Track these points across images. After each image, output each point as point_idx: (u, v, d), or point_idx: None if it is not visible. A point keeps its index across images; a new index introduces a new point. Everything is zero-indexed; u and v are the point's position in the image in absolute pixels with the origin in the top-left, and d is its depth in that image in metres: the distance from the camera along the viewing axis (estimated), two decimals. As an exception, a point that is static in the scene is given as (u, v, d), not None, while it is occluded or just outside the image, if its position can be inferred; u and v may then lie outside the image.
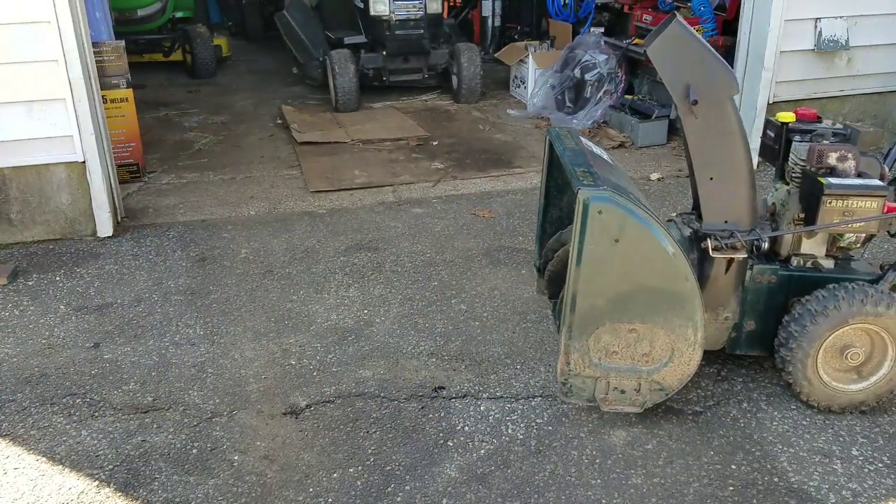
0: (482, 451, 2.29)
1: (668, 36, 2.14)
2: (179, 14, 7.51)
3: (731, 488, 2.14)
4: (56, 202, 3.70)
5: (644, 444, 2.31)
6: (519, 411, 2.46)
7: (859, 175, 2.30)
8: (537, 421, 2.41)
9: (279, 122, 5.82)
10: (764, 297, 2.38)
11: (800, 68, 4.47)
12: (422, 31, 6.07)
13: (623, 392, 2.27)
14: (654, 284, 2.13)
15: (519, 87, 6.36)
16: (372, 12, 5.95)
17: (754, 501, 2.10)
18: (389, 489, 2.15)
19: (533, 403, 2.50)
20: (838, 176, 2.28)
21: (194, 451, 2.31)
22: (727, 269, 2.33)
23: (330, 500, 2.12)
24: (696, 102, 2.12)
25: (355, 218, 3.99)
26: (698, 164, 2.26)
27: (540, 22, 7.29)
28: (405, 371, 2.68)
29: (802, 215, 2.34)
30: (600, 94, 5.41)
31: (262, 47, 8.77)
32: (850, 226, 2.26)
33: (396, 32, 6.01)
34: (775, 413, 2.44)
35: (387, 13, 5.94)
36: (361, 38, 6.29)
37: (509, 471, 2.21)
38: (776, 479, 2.17)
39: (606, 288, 2.14)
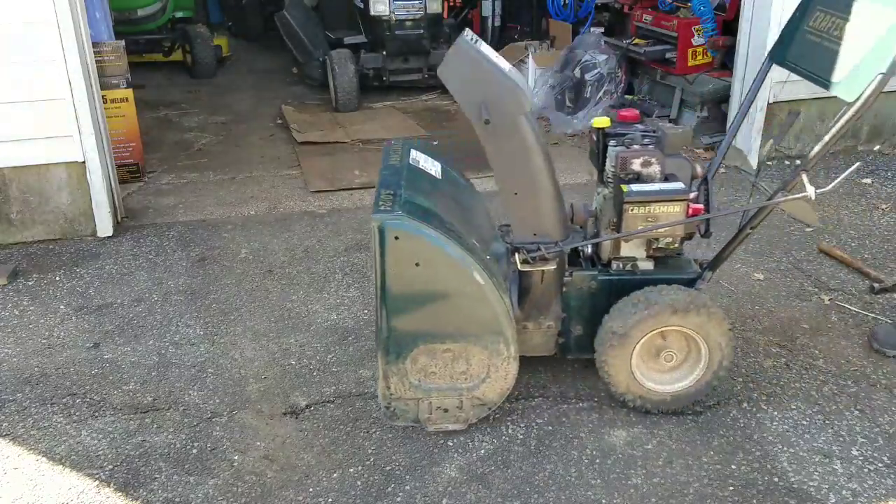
0: (482, 451, 2.29)
1: (452, 56, 2.12)
2: (179, 14, 7.50)
3: (731, 488, 2.14)
4: (56, 202, 3.70)
5: (644, 444, 2.31)
6: (519, 411, 2.46)
7: (666, 179, 2.29)
8: (537, 421, 2.41)
9: (279, 122, 5.82)
10: (587, 302, 2.39)
11: (800, 68, 4.46)
12: (422, 31, 6.07)
13: (446, 411, 2.30)
14: (459, 304, 2.15)
15: (519, 87, 6.35)
16: (372, 12, 5.95)
17: (754, 501, 2.10)
18: (389, 489, 2.15)
19: (533, 403, 2.50)
20: (644, 181, 2.28)
21: (194, 451, 2.31)
22: (542, 280, 2.34)
23: (330, 500, 2.12)
24: (488, 122, 2.10)
25: (355, 218, 3.99)
26: (501, 181, 2.25)
27: (540, 22, 7.28)
28: (405, 371, 2.68)
29: (616, 221, 2.32)
30: (600, 94, 5.41)
31: (262, 47, 8.76)
32: (656, 230, 2.25)
33: (396, 32, 6.01)
34: (775, 413, 2.44)
35: (387, 13, 5.94)
36: (361, 38, 6.29)
37: (509, 471, 2.21)
38: (776, 479, 2.17)
39: (415, 311, 2.16)
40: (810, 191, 2.13)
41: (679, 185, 2.26)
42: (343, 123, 5.67)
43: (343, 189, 4.38)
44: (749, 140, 4.53)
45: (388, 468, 2.23)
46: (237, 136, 5.49)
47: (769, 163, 4.66)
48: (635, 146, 2.34)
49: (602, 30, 5.96)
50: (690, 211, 2.27)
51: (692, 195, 2.29)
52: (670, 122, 5.14)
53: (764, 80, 2.51)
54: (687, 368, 2.37)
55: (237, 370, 2.70)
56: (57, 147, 3.61)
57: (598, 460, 2.25)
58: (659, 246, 2.36)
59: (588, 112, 5.43)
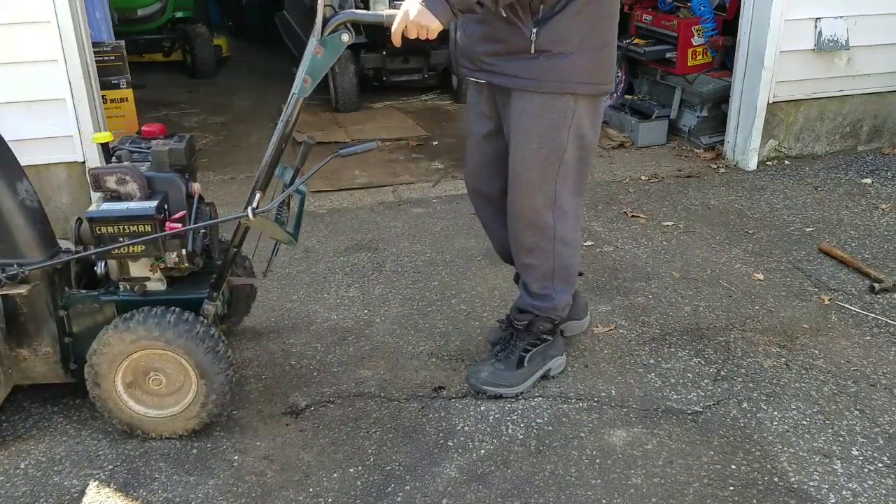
0: (482, 451, 2.29)
1: None
2: (179, 14, 7.50)
3: (731, 488, 2.14)
4: (56, 202, 3.69)
5: (644, 444, 2.31)
6: (519, 411, 2.46)
7: (150, 197, 2.19)
8: (537, 421, 2.41)
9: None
10: (93, 325, 2.27)
11: (800, 68, 4.47)
12: (422, 31, 6.06)
13: None
14: None
15: (519, 87, 6.35)
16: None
17: (754, 501, 2.10)
18: (389, 489, 2.15)
19: (533, 403, 2.50)
20: (123, 199, 2.18)
21: (194, 451, 2.31)
22: (24, 304, 2.23)
23: (330, 500, 2.12)
24: None
25: (355, 218, 3.99)
26: None
27: (540, 22, 7.27)
28: (405, 371, 2.68)
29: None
30: (600, 94, 5.40)
31: (262, 47, 8.76)
32: (126, 250, 2.15)
33: (396, 32, 6.00)
34: (775, 413, 2.44)
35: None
36: (361, 38, 6.29)
37: (509, 471, 2.21)
38: (776, 479, 2.17)
39: None
40: (248, 211, 2.11)
41: (147, 205, 2.15)
42: (343, 123, 5.67)
43: (343, 189, 4.38)
44: (749, 140, 4.54)
45: (388, 468, 2.23)
46: (237, 136, 5.49)
47: (769, 163, 4.67)
48: (117, 163, 2.24)
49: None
50: (169, 229, 2.15)
51: (178, 214, 2.20)
52: (670, 121, 5.14)
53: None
54: (178, 395, 2.27)
55: (237, 370, 2.70)
56: (57, 147, 3.60)
57: (598, 460, 2.25)
58: (168, 266, 2.26)
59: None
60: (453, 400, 2.52)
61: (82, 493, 2.15)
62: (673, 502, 2.10)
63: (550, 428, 2.39)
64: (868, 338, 2.84)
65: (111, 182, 2.19)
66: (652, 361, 2.72)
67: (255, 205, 2.13)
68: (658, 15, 5.26)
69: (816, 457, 2.26)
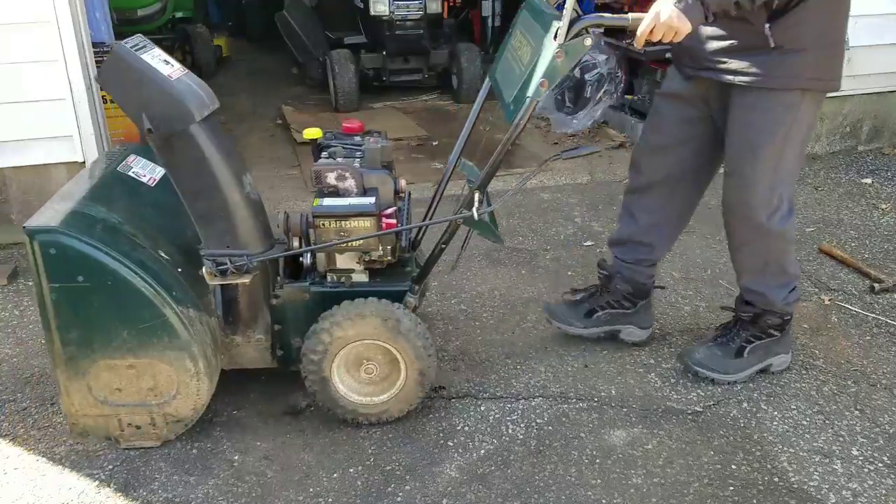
0: (482, 451, 2.29)
1: (109, 64, 2.07)
2: (179, 14, 7.50)
3: (731, 488, 2.14)
4: (56, 202, 3.69)
5: (644, 444, 2.31)
6: (519, 411, 2.46)
7: (365, 193, 2.27)
8: (537, 421, 2.41)
9: (279, 122, 5.82)
10: (301, 314, 2.34)
11: (800, 68, 4.47)
12: (422, 31, 6.07)
13: (139, 427, 2.26)
14: (131, 319, 2.10)
15: (519, 87, 6.35)
16: (372, 12, 5.95)
17: (754, 501, 2.10)
18: (389, 489, 2.15)
19: (533, 403, 2.50)
20: (342, 195, 2.26)
21: (194, 451, 2.31)
22: (243, 293, 2.31)
23: (330, 500, 2.12)
24: (150, 131, 2.04)
25: (355, 218, 3.98)
26: (183, 192, 2.18)
27: (540, 22, 7.28)
28: (405, 371, 2.68)
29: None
30: (600, 94, 5.39)
31: (262, 47, 8.77)
32: (349, 244, 2.23)
33: (396, 32, 6.01)
34: (775, 413, 2.44)
35: (387, 13, 5.94)
36: (361, 38, 6.30)
37: (509, 471, 2.21)
38: (776, 479, 2.17)
39: (86, 326, 2.10)
40: (473, 211, 2.15)
41: (368, 201, 2.23)
42: (343, 123, 5.67)
43: (343, 189, 4.37)
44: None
45: (388, 468, 2.23)
46: (237, 136, 5.49)
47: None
48: (333, 159, 2.31)
49: (602, 30, 5.95)
50: (384, 225, 2.24)
51: (390, 210, 2.27)
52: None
53: (483, 98, 2.50)
54: (387, 383, 2.34)
55: (237, 370, 2.69)
56: (57, 147, 3.61)
57: (598, 460, 2.25)
58: (372, 259, 2.33)
59: (588, 112, 5.42)
60: (453, 400, 2.52)
61: (82, 493, 2.15)
62: (673, 502, 2.10)
63: (550, 428, 2.39)
64: (868, 338, 2.84)
65: (331, 178, 2.27)
66: (652, 361, 2.72)
67: (476, 205, 2.17)
68: (658, 15, 5.25)
69: (816, 457, 2.26)
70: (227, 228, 2.20)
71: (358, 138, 2.45)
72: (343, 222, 2.21)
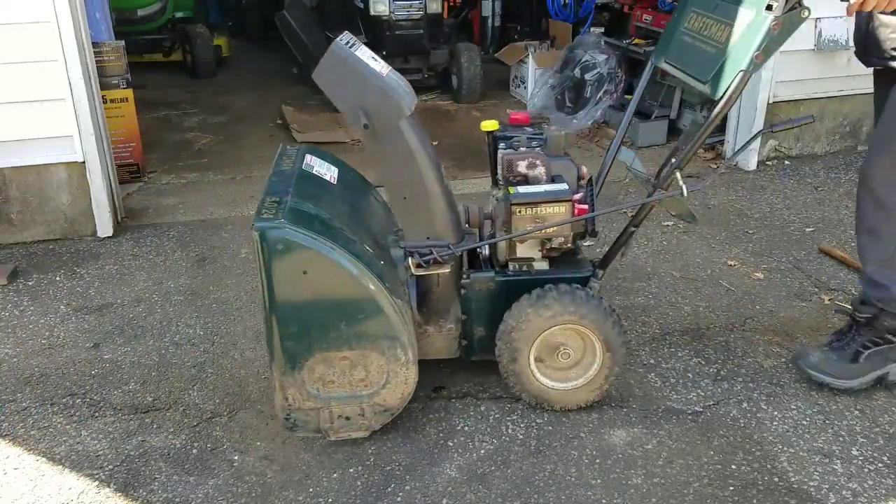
0: (482, 451, 2.29)
1: (327, 62, 2.11)
2: (179, 14, 7.50)
3: (731, 488, 2.14)
4: (56, 202, 3.70)
5: (644, 444, 2.31)
6: (519, 411, 2.46)
7: (553, 180, 2.30)
8: (537, 421, 2.41)
9: (279, 122, 5.82)
10: (486, 303, 2.38)
11: (800, 68, 4.47)
12: (421, 31, 6.07)
13: (348, 419, 2.27)
14: (351, 310, 2.13)
15: (519, 87, 6.36)
16: (372, 12, 5.95)
17: (754, 501, 2.10)
18: (389, 489, 2.15)
19: (533, 403, 2.49)
20: (531, 183, 2.29)
21: (194, 451, 2.31)
22: (439, 284, 2.35)
23: (330, 500, 2.12)
24: (367, 126, 2.10)
25: (355, 218, 3.98)
26: (389, 186, 2.25)
27: (540, 22, 7.28)
28: (405, 371, 2.68)
29: (506, 222, 2.33)
30: (600, 94, 5.41)
31: (262, 47, 8.76)
32: (545, 231, 2.26)
33: (396, 32, 6.00)
34: (775, 413, 2.44)
35: (387, 13, 5.94)
36: (361, 38, 6.29)
37: (509, 471, 2.22)
38: (776, 479, 2.17)
39: (307, 320, 2.12)
40: (683, 188, 2.18)
41: (563, 187, 2.27)
42: (343, 123, 5.67)
43: (343, 189, 4.37)
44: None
45: (388, 468, 2.23)
46: (237, 136, 5.49)
47: (769, 163, 4.67)
48: (522, 149, 2.35)
49: (602, 30, 5.95)
50: (577, 211, 2.28)
51: (578, 196, 2.31)
52: (670, 121, 5.15)
53: (646, 81, 2.54)
54: (582, 367, 2.38)
55: (237, 370, 2.70)
56: (57, 147, 3.61)
57: (598, 460, 2.25)
58: (552, 246, 2.36)
59: (588, 112, 5.43)
60: (453, 400, 2.52)
61: (82, 492, 2.15)
62: (673, 502, 2.10)
63: (550, 428, 2.39)
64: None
65: (522, 167, 2.31)
66: (652, 361, 2.72)
67: (681, 183, 2.19)
68: (658, 15, 5.26)
69: (816, 457, 2.26)
70: (428, 220, 2.26)
71: (529, 129, 2.46)
72: (538, 209, 2.23)
